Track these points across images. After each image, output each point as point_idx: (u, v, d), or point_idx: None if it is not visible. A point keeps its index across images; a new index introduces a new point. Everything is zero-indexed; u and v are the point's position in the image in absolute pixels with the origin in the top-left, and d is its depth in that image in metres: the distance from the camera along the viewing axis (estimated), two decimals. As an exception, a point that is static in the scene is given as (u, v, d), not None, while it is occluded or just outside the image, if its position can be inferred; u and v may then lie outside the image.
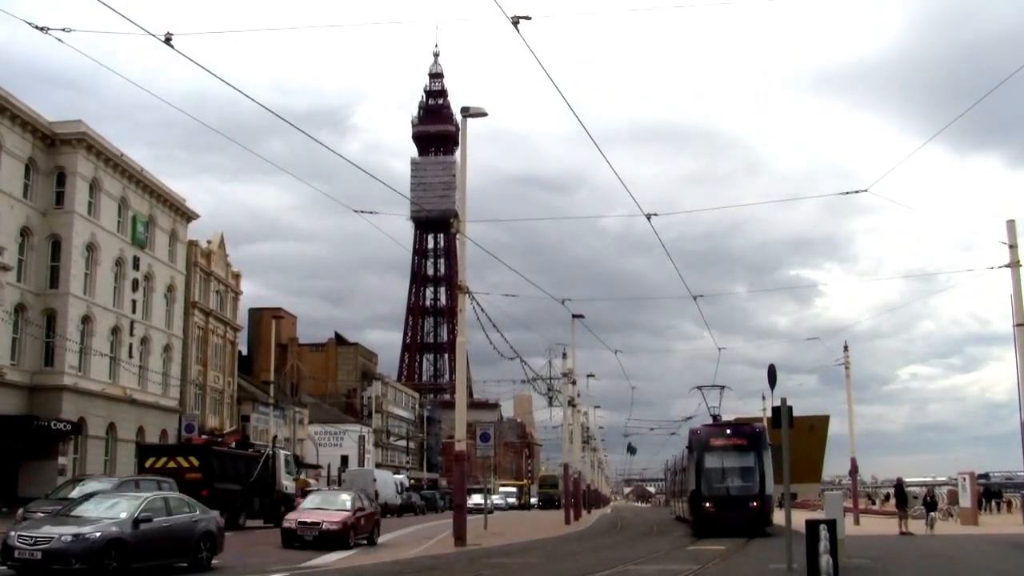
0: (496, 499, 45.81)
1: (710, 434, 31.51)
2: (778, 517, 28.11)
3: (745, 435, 31.05)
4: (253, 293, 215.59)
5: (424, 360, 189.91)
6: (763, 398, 39.69)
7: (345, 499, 26.48)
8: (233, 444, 39.57)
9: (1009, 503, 56.37)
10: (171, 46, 13.52)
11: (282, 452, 42.68)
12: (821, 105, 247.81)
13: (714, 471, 30.26)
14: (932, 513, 33.27)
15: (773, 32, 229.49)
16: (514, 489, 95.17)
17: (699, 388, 36.16)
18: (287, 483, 40.42)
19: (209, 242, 61.84)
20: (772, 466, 30.27)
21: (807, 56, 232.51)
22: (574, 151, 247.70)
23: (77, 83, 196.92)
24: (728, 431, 31.55)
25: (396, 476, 65.36)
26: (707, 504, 29.76)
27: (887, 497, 66.30)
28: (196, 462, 32.57)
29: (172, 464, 32.49)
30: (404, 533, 32.99)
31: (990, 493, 55.04)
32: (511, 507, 76.15)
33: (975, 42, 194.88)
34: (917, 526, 32.81)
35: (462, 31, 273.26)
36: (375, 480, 54.87)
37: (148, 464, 33.31)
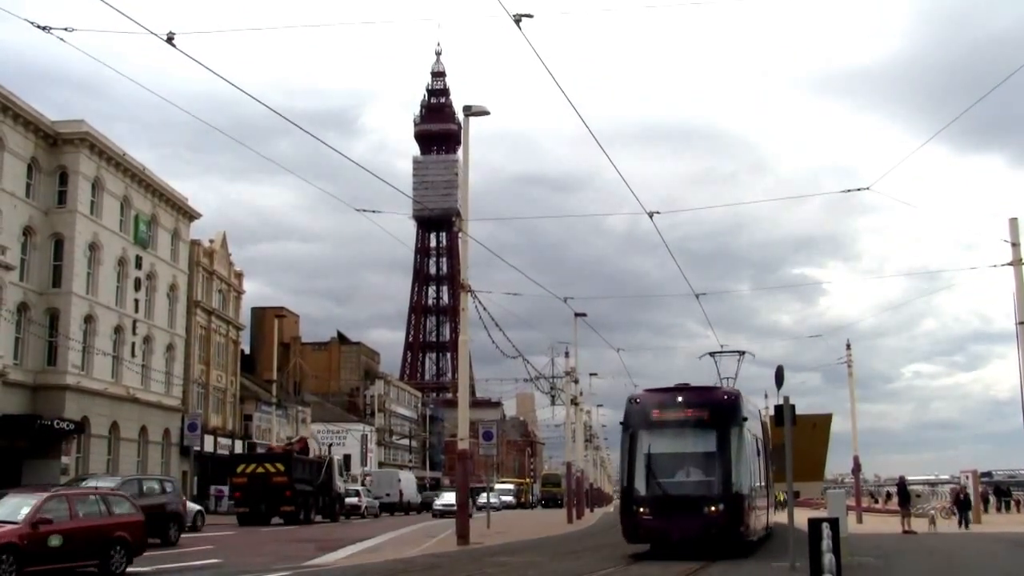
0: (491, 497, 44.85)
1: (653, 403, 20.63)
2: (776, 518, 28.03)
3: (705, 405, 20.28)
4: (258, 293, 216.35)
5: (427, 359, 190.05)
6: (765, 396, 39.69)
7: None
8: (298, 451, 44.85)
9: (1018, 503, 55.82)
10: (173, 45, 13.52)
11: (335, 458, 48.44)
12: (824, 106, 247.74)
13: (654, 459, 19.76)
14: (968, 512, 32.90)
15: (777, 33, 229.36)
16: (511, 486, 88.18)
17: (712, 355, 26.90)
18: (340, 485, 47.14)
19: (211, 241, 61.88)
20: (753, 452, 21.25)
21: (810, 57, 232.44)
22: (579, 151, 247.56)
23: (85, 84, 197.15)
24: (680, 398, 20.53)
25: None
26: (641, 509, 19.63)
27: (889, 495, 66.27)
28: (281, 467, 38.59)
29: (261, 470, 38.59)
30: (406, 532, 33.01)
31: (1000, 492, 54.69)
32: (507, 507, 69.85)
33: (978, 43, 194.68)
34: (920, 524, 32.77)
35: (465, 30, 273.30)
36: (400, 480, 62.22)
37: (239, 470, 39.49)
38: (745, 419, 20.14)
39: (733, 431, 19.61)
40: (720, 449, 19.48)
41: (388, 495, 60.01)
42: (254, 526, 36.72)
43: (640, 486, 19.67)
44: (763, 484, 23.08)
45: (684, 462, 19.99)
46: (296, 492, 38.13)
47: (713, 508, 18.89)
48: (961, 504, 33.03)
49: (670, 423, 20.10)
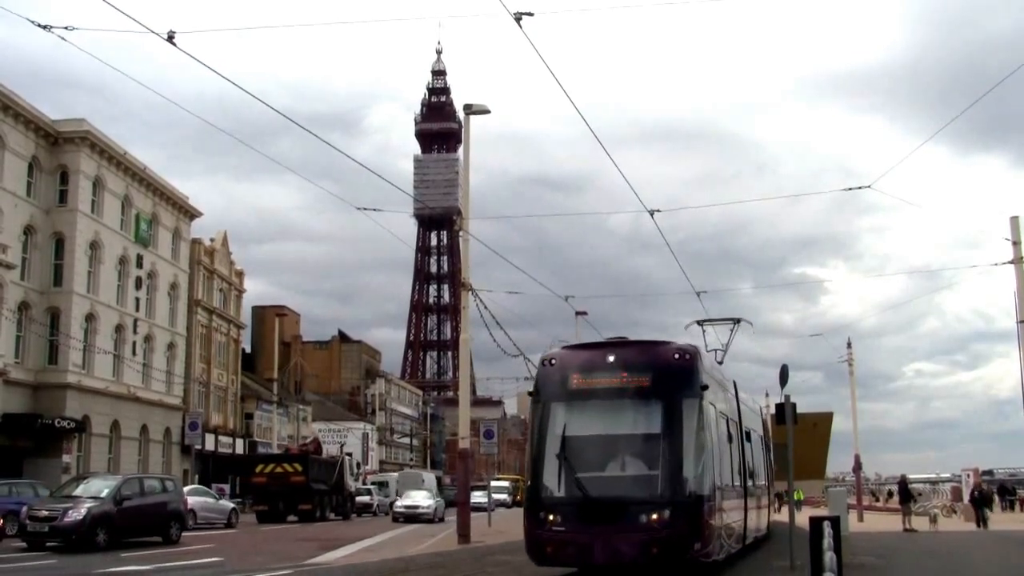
0: (479, 497, 41.95)
1: (573, 365, 14.54)
2: (775, 518, 27.93)
3: (647, 366, 14.24)
4: (264, 292, 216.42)
5: (428, 357, 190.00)
6: (766, 395, 39.62)
7: None
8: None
9: (1022, 502, 55.51)
10: (174, 44, 13.50)
11: (347, 458, 49.59)
12: (827, 107, 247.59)
13: (571, 445, 13.84)
14: (986, 509, 32.08)
15: (779, 33, 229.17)
16: (507, 484, 77.28)
17: (700, 323, 21.93)
18: (351, 484, 48.46)
19: (212, 240, 61.92)
20: (720, 435, 15.20)
21: (813, 57, 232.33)
22: (582, 151, 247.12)
23: (90, 84, 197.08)
24: (611, 357, 14.39)
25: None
26: (551, 517, 13.58)
27: (890, 494, 66.28)
28: (299, 467, 40.17)
29: (280, 470, 40.32)
30: (407, 530, 33.02)
31: (1004, 491, 54.48)
32: (501, 505, 58.47)
33: (980, 44, 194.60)
34: (921, 523, 32.76)
35: (467, 28, 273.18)
36: (423, 480, 63.57)
37: (259, 470, 41.18)
38: (704, 387, 13.83)
39: (687, 404, 13.57)
40: (667, 430, 13.35)
41: None
42: (273, 523, 37.53)
43: (550, 483, 13.54)
44: (741, 479, 17.34)
45: (614, 449, 13.73)
46: (313, 491, 39.83)
47: (654, 516, 12.79)
48: (978, 502, 32.09)
49: (596, 393, 13.99)
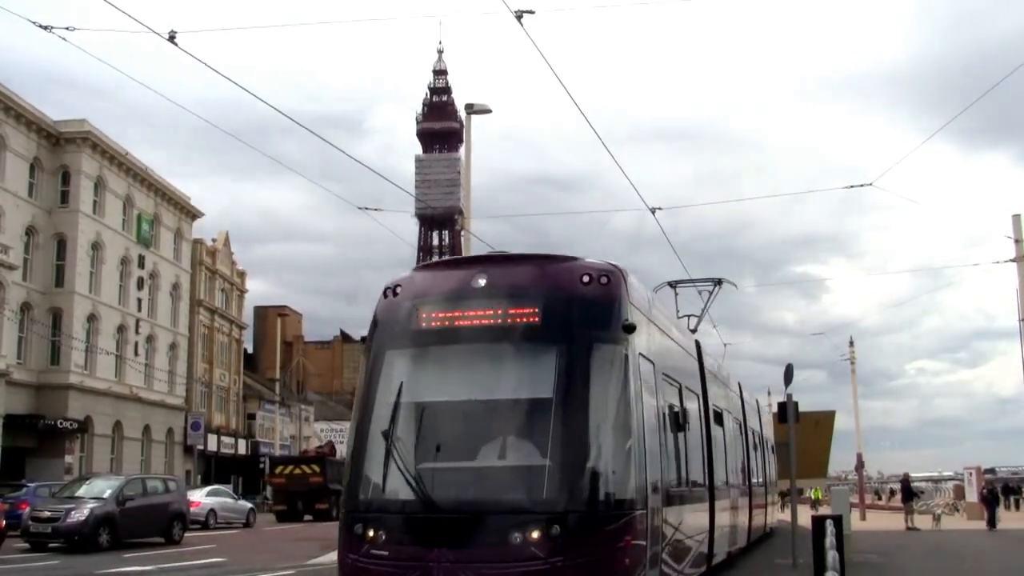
0: None
1: (422, 294, 9.11)
2: (777, 519, 27.89)
3: (536, 294, 8.73)
4: (265, 292, 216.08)
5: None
6: (768, 393, 39.62)
7: None
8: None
9: None
10: (175, 43, 13.50)
11: None
12: (829, 107, 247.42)
13: (407, 418, 8.50)
14: (996, 509, 30.96)
15: (782, 33, 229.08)
16: None
17: (671, 284, 18.13)
18: None
19: (214, 240, 61.97)
20: (661, 406, 9.93)
21: (815, 57, 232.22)
22: (584, 150, 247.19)
23: (93, 85, 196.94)
24: (482, 280, 8.83)
25: None
26: (369, 533, 8.11)
27: (893, 492, 66.26)
28: (317, 468, 41.04)
29: (298, 471, 41.20)
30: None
31: (1008, 490, 54.31)
32: None
33: (983, 44, 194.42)
34: (923, 521, 32.73)
35: (469, 27, 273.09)
36: None
37: (278, 471, 42.25)
38: (629, 327, 8.73)
39: (600, 352, 8.50)
40: (566, 393, 8.24)
41: None
42: (291, 522, 38.55)
43: (373, 479, 8.46)
44: (707, 474, 12.90)
45: (478, 425, 8.54)
46: (330, 491, 40.75)
47: (536, 536, 7.71)
48: (988, 501, 31.34)
49: (454, 335, 8.77)
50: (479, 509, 7.92)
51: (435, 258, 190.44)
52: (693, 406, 12.24)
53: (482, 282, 8.81)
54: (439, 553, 7.71)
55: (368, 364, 9.03)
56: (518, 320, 8.63)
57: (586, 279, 8.77)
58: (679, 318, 15.92)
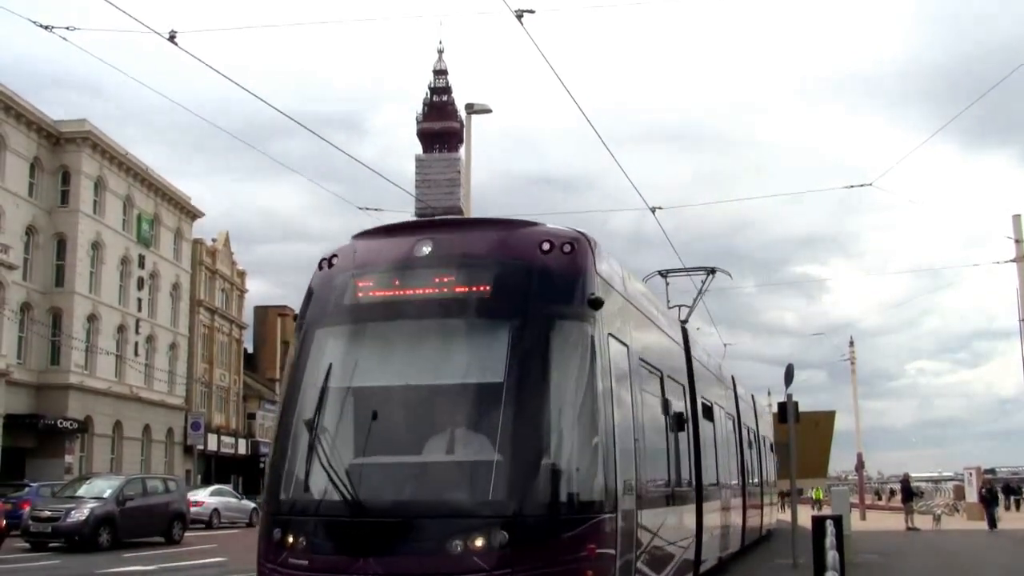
0: None
1: (361, 262, 7.99)
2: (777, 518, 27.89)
3: (488, 263, 7.65)
4: (265, 292, 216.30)
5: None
6: (768, 393, 39.61)
7: None
8: None
9: None
10: (175, 43, 13.50)
11: None
12: (830, 105, 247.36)
13: (337, 405, 7.47)
14: (995, 509, 30.92)
15: (784, 33, 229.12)
16: None
17: (662, 274, 17.14)
18: None
19: (214, 240, 61.97)
20: (636, 392, 8.73)
21: (816, 58, 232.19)
22: (585, 150, 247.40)
23: (95, 86, 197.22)
24: (426, 248, 7.73)
25: None
26: (289, 538, 7.02)
27: (893, 492, 66.27)
28: None
29: None
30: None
31: (1009, 490, 54.28)
32: None
33: (984, 44, 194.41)
34: (923, 521, 32.74)
35: (469, 27, 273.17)
36: None
37: None
38: (596, 302, 7.61)
39: (560, 330, 7.44)
40: (520, 376, 7.19)
41: None
42: None
43: (297, 476, 7.41)
44: (693, 472, 11.83)
45: (418, 414, 7.62)
46: None
47: (479, 544, 6.64)
48: (987, 501, 31.31)
49: (393, 310, 7.75)
50: (414, 512, 6.88)
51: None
52: (678, 398, 11.25)
53: (426, 250, 7.74)
54: (365, 563, 6.67)
55: (296, 344, 8.07)
56: (466, 293, 7.53)
57: (546, 247, 7.65)
58: (670, 308, 15.09)
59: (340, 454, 7.15)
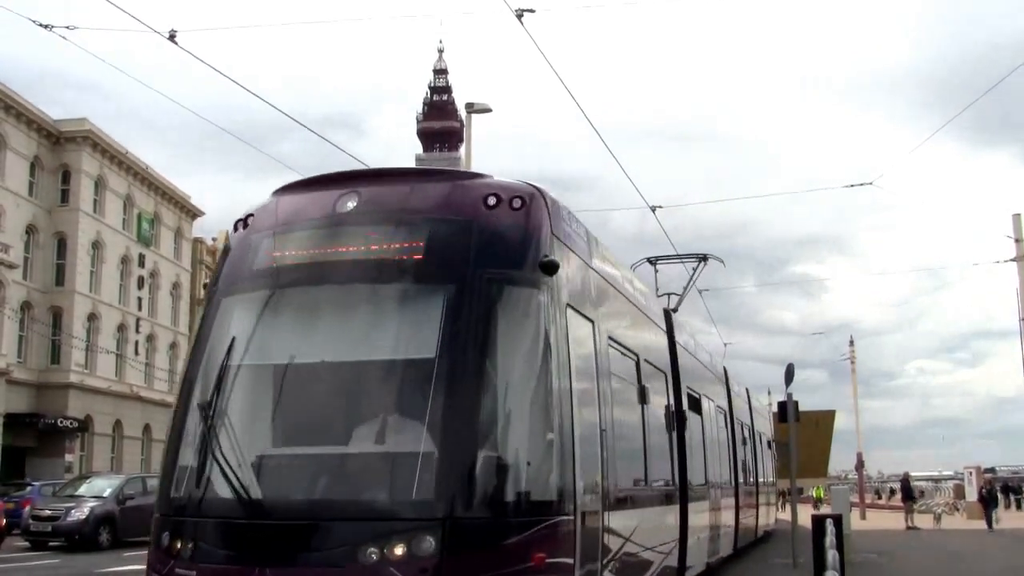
0: None
1: (280, 220, 6.88)
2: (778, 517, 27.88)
3: (423, 220, 6.51)
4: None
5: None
6: (768, 393, 39.54)
7: None
8: None
9: None
10: (175, 43, 13.51)
11: None
12: (830, 105, 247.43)
13: (242, 386, 6.34)
14: (994, 509, 30.93)
15: (785, 33, 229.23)
16: None
17: (651, 261, 16.14)
18: None
19: (215, 239, 61.95)
20: (593, 367, 7.30)
21: (817, 58, 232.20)
22: (585, 150, 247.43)
23: (96, 85, 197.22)
24: (351, 203, 6.66)
25: None
26: (177, 543, 5.94)
27: (893, 492, 66.32)
28: None
29: None
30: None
31: (1009, 489, 54.24)
32: None
33: (985, 44, 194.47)
34: (924, 520, 32.73)
35: (469, 26, 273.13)
36: None
37: None
38: (550, 266, 6.43)
39: (508, 296, 6.28)
40: (458, 351, 6.00)
41: None
42: None
43: (190, 468, 6.18)
44: (676, 469, 10.84)
45: (336, 396, 6.44)
46: None
47: (399, 550, 5.50)
48: (986, 500, 31.25)
49: (312, 275, 6.58)
50: (322, 513, 5.79)
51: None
52: (658, 386, 10.05)
53: (351, 205, 6.63)
54: (261, 574, 5.64)
55: (203, 316, 6.95)
56: (393, 254, 6.39)
57: (492, 201, 6.51)
58: (659, 296, 13.64)
59: (238, 444, 6.05)
